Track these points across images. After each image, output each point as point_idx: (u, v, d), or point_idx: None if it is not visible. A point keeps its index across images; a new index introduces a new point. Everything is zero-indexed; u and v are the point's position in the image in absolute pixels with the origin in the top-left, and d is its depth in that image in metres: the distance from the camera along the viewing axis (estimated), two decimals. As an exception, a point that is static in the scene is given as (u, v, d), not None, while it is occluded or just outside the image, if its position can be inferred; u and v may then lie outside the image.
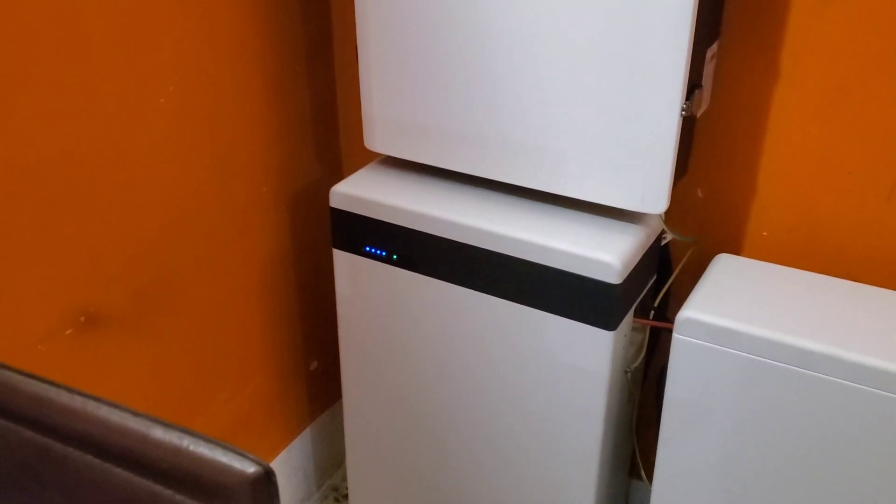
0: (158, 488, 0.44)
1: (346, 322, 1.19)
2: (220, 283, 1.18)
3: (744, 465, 0.96)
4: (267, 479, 0.41)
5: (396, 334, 1.14)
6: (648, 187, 0.93)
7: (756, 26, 0.99)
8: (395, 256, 1.09)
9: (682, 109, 0.88)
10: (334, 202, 1.11)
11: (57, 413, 0.44)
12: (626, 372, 1.06)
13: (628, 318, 1.02)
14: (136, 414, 0.43)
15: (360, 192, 1.10)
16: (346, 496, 1.50)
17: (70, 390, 0.44)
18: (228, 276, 1.19)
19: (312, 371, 1.43)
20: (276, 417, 1.38)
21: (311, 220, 1.33)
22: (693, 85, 0.91)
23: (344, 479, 1.54)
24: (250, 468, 0.41)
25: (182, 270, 1.11)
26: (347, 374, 1.23)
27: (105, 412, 0.43)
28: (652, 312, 1.11)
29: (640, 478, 1.29)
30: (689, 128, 0.98)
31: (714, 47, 0.99)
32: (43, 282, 0.93)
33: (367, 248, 1.11)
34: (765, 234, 1.08)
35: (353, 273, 1.14)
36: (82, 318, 0.98)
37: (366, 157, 1.24)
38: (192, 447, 0.41)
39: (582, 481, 1.08)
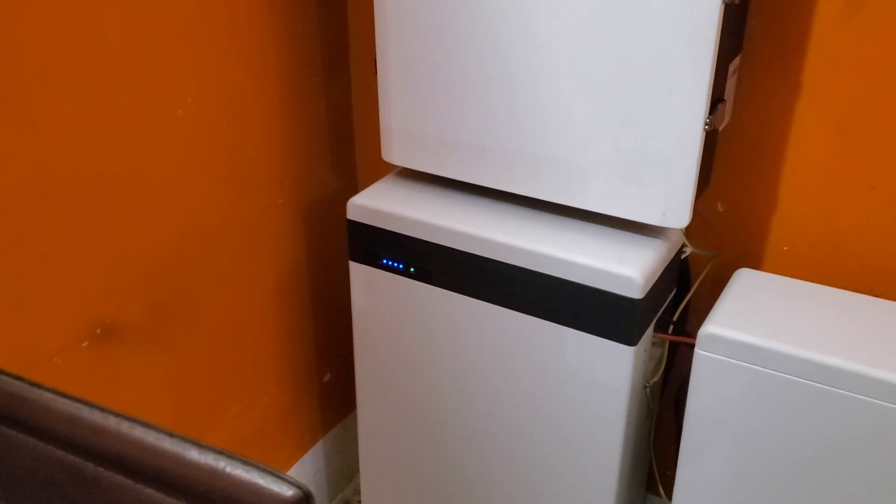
0: (192, 510, 0.43)
1: (361, 334, 1.18)
2: (236, 295, 1.18)
3: (765, 481, 0.95)
4: (306, 502, 0.40)
5: (413, 347, 1.14)
6: (671, 202, 0.93)
7: (778, 40, 0.98)
8: (412, 269, 1.09)
9: (706, 123, 0.88)
10: (352, 214, 1.11)
11: (90, 433, 0.44)
12: (645, 387, 1.05)
13: (648, 333, 1.01)
14: (171, 434, 0.42)
15: (377, 204, 1.09)
16: (358, 510, 1.49)
17: (103, 409, 0.44)
18: (244, 288, 1.19)
19: (325, 383, 1.43)
20: (289, 430, 1.37)
21: (326, 232, 1.33)
22: (716, 99, 0.91)
23: (356, 492, 1.52)
24: (288, 491, 0.40)
25: (198, 283, 1.10)
26: (362, 386, 1.22)
27: (140, 432, 0.42)
28: (671, 327, 1.10)
29: (657, 493, 1.28)
30: (712, 142, 0.97)
31: (736, 61, 0.98)
32: (60, 294, 0.92)
33: (384, 261, 1.11)
34: (786, 248, 1.07)
35: (369, 285, 1.14)
36: (98, 331, 0.98)
37: (381, 169, 1.23)
38: (228, 469, 0.41)
39: (601, 497, 1.06)
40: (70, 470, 0.46)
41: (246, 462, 0.41)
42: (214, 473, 0.41)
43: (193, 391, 1.15)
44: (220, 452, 0.41)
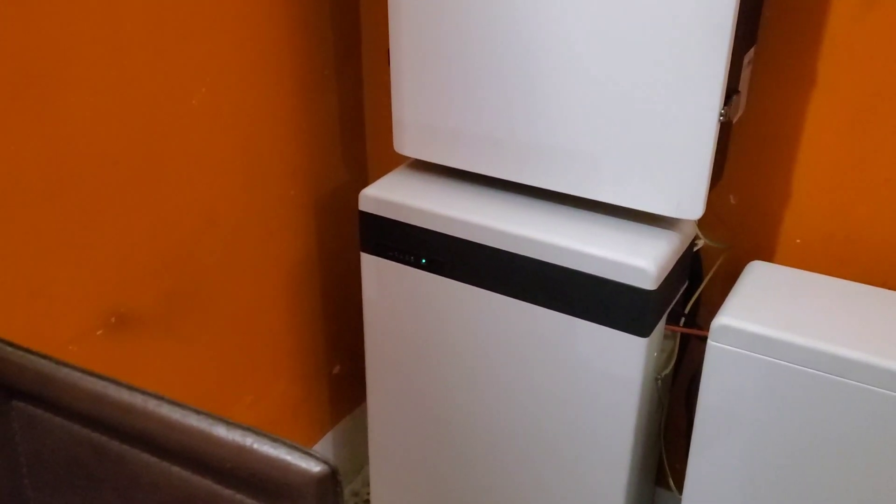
0: (218, 488, 0.43)
1: (372, 326, 1.18)
2: (248, 286, 1.18)
3: (776, 474, 0.95)
4: (333, 479, 0.40)
5: (424, 339, 1.14)
6: (685, 193, 0.93)
7: (793, 32, 0.98)
8: (423, 260, 1.09)
9: (721, 115, 0.88)
10: (363, 206, 1.11)
11: (115, 410, 0.44)
12: (656, 379, 1.05)
13: (661, 325, 1.01)
14: (198, 412, 0.42)
15: (389, 195, 1.09)
16: (367, 502, 1.50)
17: (130, 387, 0.44)
18: (256, 279, 1.19)
19: (335, 375, 1.43)
20: (299, 421, 1.38)
21: (337, 224, 1.33)
22: (731, 90, 0.91)
23: (364, 484, 1.53)
24: (316, 467, 0.40)
25: (211, 273, 1.11)
26: (373, 378, 1.23)
27: (166, 410, 0.43)
28: (683, 319, 1.10)
29: (667, 487, 1.28)
30: (726, 133, 0.97)
31: (751, 53, 0.98)
32: (75, 283, 0.93)
33: (396, 252, 1.11)
34: (798, 241, 1.07)
35: (380, 277, 1.14)
36: (113, 319, 0.98)
37: (392, 161, 1.23)
38: (256, 445, 0.41)
39: (611, 490, 1.06)
40: (96, 448, 0.46)
41: (273, 438, 0.41)
42: (242, 450, 0.41)
43: (205, 381, 1.15)
44: (247, 429, 0.41)
